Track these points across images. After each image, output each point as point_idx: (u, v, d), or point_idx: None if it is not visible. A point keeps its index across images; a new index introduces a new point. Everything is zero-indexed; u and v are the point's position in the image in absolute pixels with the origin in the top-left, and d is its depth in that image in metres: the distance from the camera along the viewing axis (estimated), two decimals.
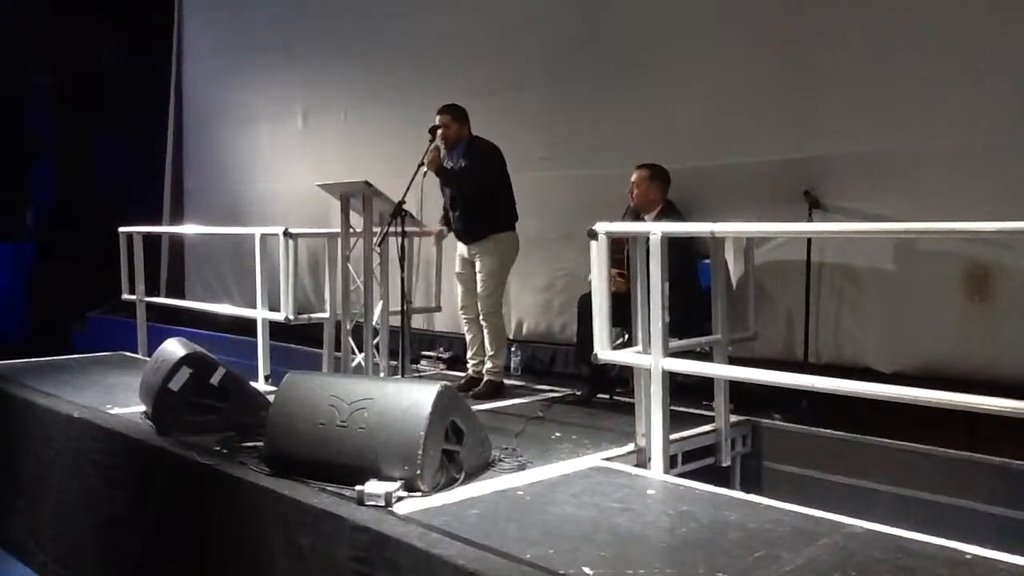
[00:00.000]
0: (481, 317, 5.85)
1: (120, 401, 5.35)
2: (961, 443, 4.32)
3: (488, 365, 5.90)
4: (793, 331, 5.63)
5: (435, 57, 7.85)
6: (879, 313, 5.39)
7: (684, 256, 5.11)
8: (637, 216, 5.58)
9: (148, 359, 5.73)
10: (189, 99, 11.23)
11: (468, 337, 6.05)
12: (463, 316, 6.03)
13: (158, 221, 10.94)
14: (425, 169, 5.52)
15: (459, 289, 6.03)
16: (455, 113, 5.75)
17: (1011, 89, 4.88)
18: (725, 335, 4.67)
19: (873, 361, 5.36)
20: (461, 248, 5.94)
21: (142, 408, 5.01)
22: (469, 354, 6.07)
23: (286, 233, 6.17)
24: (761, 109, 5.84)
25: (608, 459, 4.25)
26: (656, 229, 4.04)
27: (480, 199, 5.74)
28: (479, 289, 5.82)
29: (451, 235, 6.46)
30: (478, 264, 5.81)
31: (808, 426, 4.89)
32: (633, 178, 5.59)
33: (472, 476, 3.80)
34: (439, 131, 5.64)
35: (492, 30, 7.45)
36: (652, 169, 5.59)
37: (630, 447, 4.44)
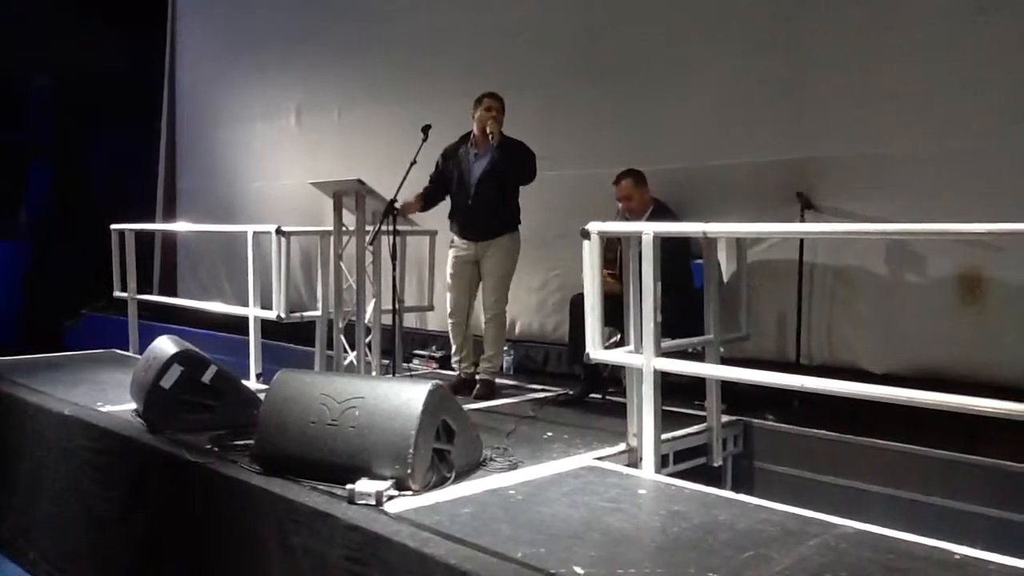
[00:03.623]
0: (488, 317, 5.80)
1: (111, 399, 5.33)
2: (952, 444, 4.33)
3: (487, 365, 5.88)
4: (785, 332, 5.63)
5: (429, 57, 7.84)
6: (871, 314, 5.40)
7: (677, 256, 5.11)
8: (628, 219, 5.57)
9: (140, 357, 5.71)
10: (183, 98, 11.22)
11: (458, 340, 5.97)
12: (453, 319, 5.93)
13: (152, 220, 10.92)
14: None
15: (452, 292, 5.91)
16: (503, 102, 5.70)
17: (1003, 91, 4.90)
18: (717, 335, 4.68)
19: (865, 362, 5.37)
20: (463, 249, 5.82)
21: (133, 406, 5.00)
22: (459, 356, 6.02)
23: (279, 231, 6.17)
24: (755, 110, 5.85)
25: (600, 459, 4.25)
26: (648, 229, 4.05)
27: (508, 192, 5.72)
28: (490, 289, 5.76)
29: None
30: (489, 264, 5.74)
31: (800, 427, 4.89)
32: (622, 192, 5.57)
33: (463, 475, 3.80)
34: (491, 121, 5.55)
35: (488, 30, 7.45)
36: (633, 175, 5.59)
37: (622, 447, 4.44)
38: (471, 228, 5.78)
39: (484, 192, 5.68)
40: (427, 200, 5.85)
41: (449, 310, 5.96)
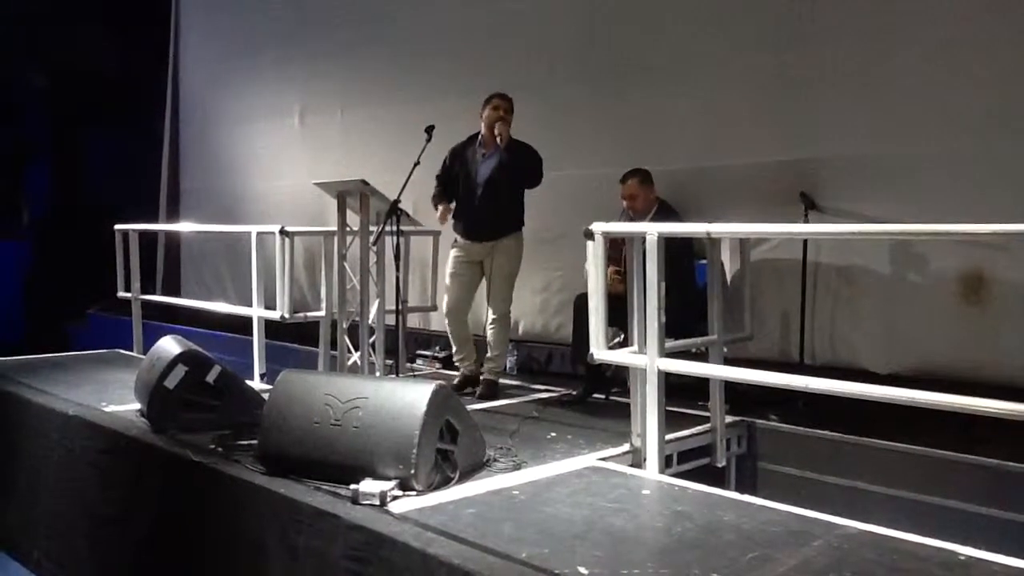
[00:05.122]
0: (493, 318, 5.80)
1: (115, 399, 5.34)
2: (956, 445, 4.33)
3: (491, 365, 5.89)
4: (789, 332, 5.63)
5: (432, 57, 7.85)
6: (875, 314, 5.40)
7: (681, 256, 5.11)
8: (633, 219, 5.57)
9: (144, 357, 5.72)
10: (186, 98, 11.23)
11: (457, 339, 5.97)
12: (449, 318, 5.93)
13: (153, 220, 10.93)
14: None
15: (450, 291, 5.91)
16: (512, 105, 5.70)
17: (1006, 91, 4.89)
18: (721, 335, 4.67)
19: (868, 362, 5.36)
20: (467, 249, 5.81)
21: (137, 406, 5.00)
22: (462, 355, 6.02)
23: (282, 232, 6.17)
24: (758, 111, 5.85)
25: (603, 459, 4.25)
26: (652, 229, 4.05)
27: (514, 194, 5.72)
28: (496, 291, 5.76)
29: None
30: (493, 265, 5.73)
31: (803, 427, 4.89)
32: (628, 191, 5.58)
33: (467, 476, 3.80)
34: (500, 121, 5.57)
35: (491, 30, 7.45)
36: (640, 174, 5.60)
37: (625, 447, 4.44)
38: (476, 229, 5.77)
39: (490, 193, 5.68)
40: (448, 200, 5.86)
41: (445, 309, 5.96)
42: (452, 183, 5.84)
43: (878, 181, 5.32)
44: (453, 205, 5.84)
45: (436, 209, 5.86)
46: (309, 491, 3.57)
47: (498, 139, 5.54)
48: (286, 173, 9.42)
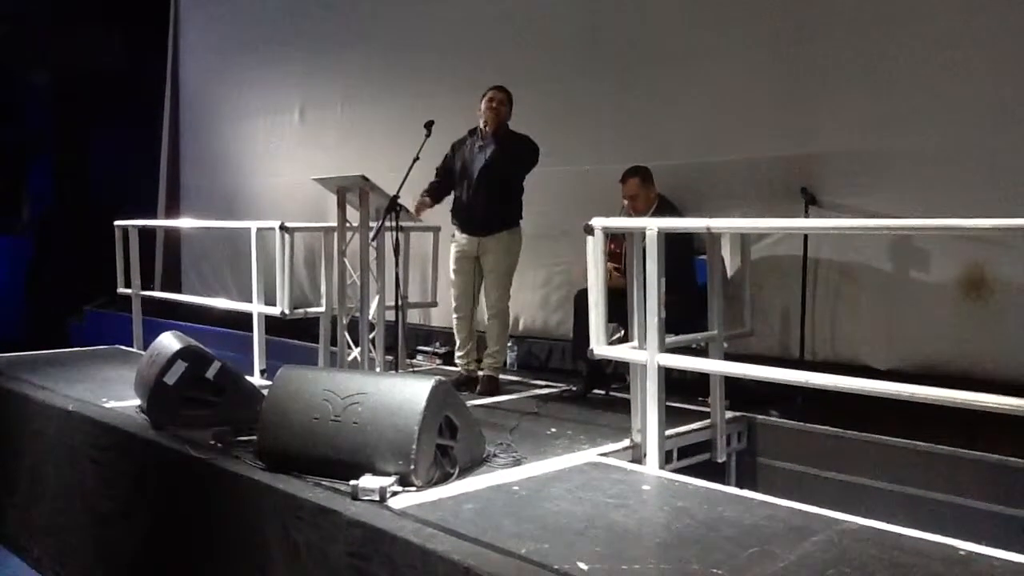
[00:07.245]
0: (490, 314, 5.81)
1: (115, 395, 5.33)
2: (956, 440, 4.32)
3: (491, 361, 5.89)
4: (789, 328, 5.63)
5: (433, 52, 7.84)
6: (875, 310, 5.39)
7: (681, 252, 5.10)
8: (633, 215, 5.56)
9: (143, 353, 5.71)
10: (186, 94, 11.22)
11: (461, 336, 5.98)
12: (457, 315, 5.95)
13: (154, 216, 10.92)
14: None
15: (456, 288, 5.93)
16: (510, 96, 5.75)
17: (1007, 86, 4.88)
18: (721, 331, 4.67)
19: (869, 358, 5.36)
20: (464, 244, 5.83)
21: (137, 402, 5.00)
22: (462, 352, 6.02)
23: (282, 227, 6.16)
24: (759, 106, 5.84)
25: (603, 455, 4.25)
26: (652, 225, 4.04)
27: (507, 187, 5.73)
28: (491, 286, 5.77)
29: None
30: (489, 260, 5.75)
31: (803, 423, 4.89)
32: (628, 191, 5.57)
33: (466, 471, 3.80)
34: (488, 110, 5.66)
35: (490, 26, 7.44)
36: (640, 173, 5.59)
37: (625, 443, 4.44)
38: (470, 222, 5.78)
39: (483, 185, 5.69)
40: (435, 195, 5.88)
41: (453, 305, 5.97)
42: (449, 176, 5.86)
43: (879, 177, 5.31)
44: (428, 199, 5.84)
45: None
46: (309, 487, 3.57)
47: (483, 126, 5.63)
48: (286, 169, 9.41)
